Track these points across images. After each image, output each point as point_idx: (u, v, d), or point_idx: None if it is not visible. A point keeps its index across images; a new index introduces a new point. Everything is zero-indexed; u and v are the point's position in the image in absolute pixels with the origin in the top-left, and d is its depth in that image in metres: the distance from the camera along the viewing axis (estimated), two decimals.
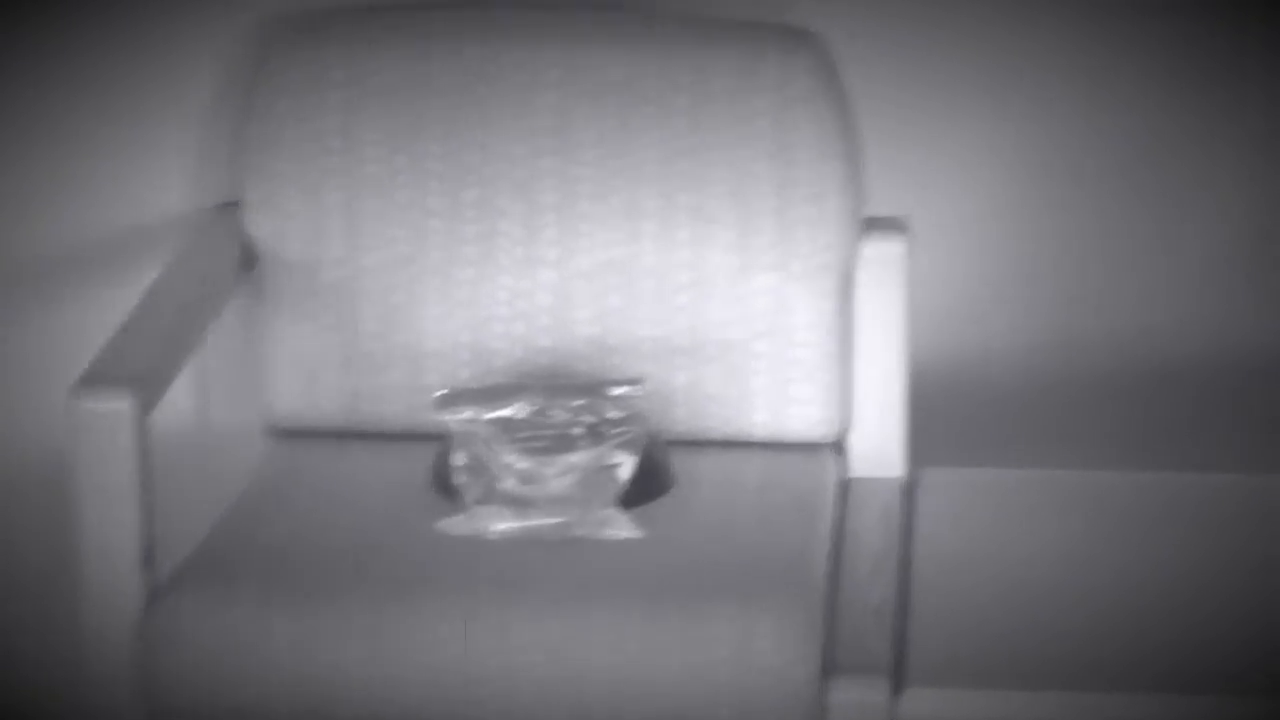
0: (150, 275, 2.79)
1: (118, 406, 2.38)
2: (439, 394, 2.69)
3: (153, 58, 2.97)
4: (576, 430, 2.64)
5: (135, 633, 2.43)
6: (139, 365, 2.47)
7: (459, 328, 2.84)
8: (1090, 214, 3.30)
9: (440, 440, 2.68)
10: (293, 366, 2.85)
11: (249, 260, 2.82)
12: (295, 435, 2.87)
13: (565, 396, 2.67)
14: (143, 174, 2.97)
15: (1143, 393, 3.37)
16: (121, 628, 2.44)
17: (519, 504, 2.57)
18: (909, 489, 2.86)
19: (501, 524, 2.55)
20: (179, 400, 2.85)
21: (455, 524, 2.57)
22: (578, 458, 2.60)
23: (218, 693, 2.41)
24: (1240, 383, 3.37)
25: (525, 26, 2.87)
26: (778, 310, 2.80)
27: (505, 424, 2.63)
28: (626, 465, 2.60)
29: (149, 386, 2.44)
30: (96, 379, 2.42)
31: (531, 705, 2.41)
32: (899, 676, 2.43)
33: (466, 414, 2.64)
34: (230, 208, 2.87)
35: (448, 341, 2.83)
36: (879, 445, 2.89)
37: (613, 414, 2.66)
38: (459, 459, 2.61)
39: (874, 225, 2.83)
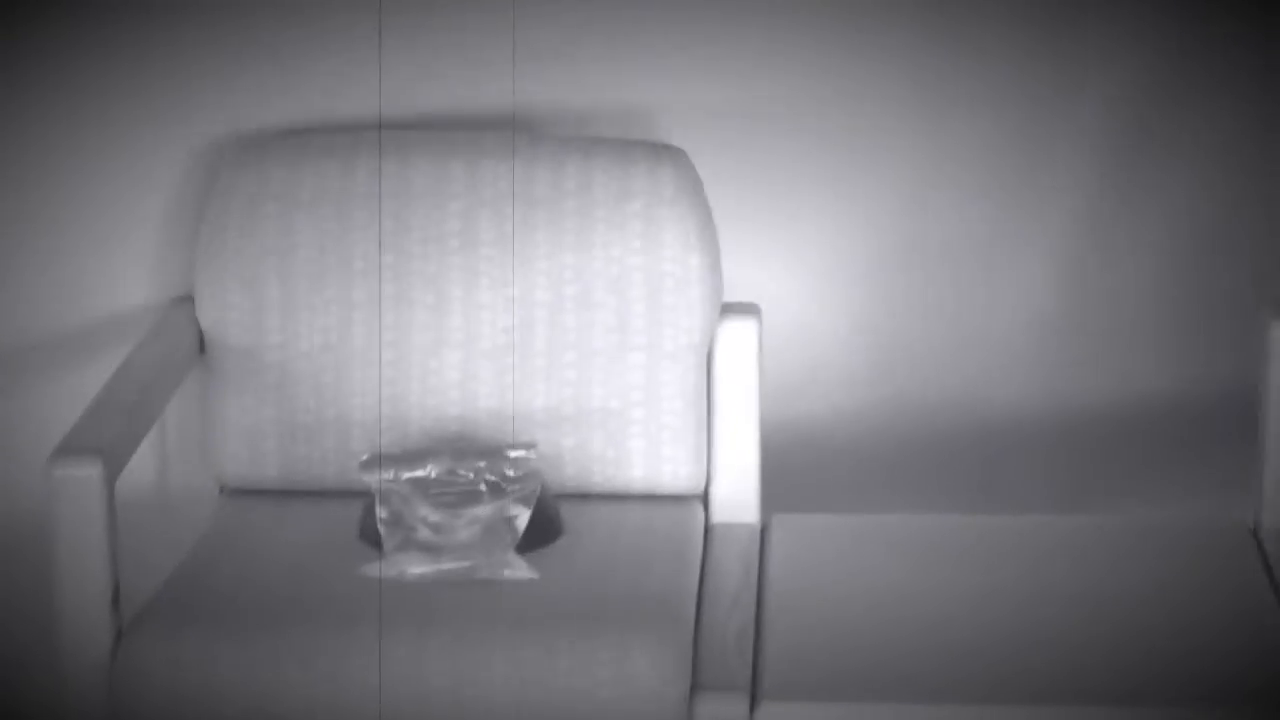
0: (116, 359, 2.81)
1: (89, 473, 2.37)
2: (363, 458, 2.69)
3: (119, 170, 2.93)
4: (480, 487, 2.64)
5: (105, 666, 2.41)
6: (106, 437, 2.46)
7: (379, 401, 2.82)
8: (917, 291, 3.27)
9: (365, 497, 2.69)
10: (239, 436, 2.82)
11: (200, 346, 2.81)
12: (241, 494, 2.83)
13: (470, 458, 2.68)
14: (109, 270, 2.94)
15: (964, 447, 3.34)
16: (94, 662, 2.42)
17: (432, 551, 2.57)
18: (763, 533, 2.85)
19: (417, 568, 2.54)
20: (141, 464, 2.84)
21: (378, 569, 2.56)
22: (481, 510, 2.60)
23: (177, 715, 2.39)
24: (1050, 434, 3.35)
25: (435, 145, 2.86)
26: (650, 383, 2.80)
27: (419, 483, 2.64)
28: (523, 516, 2.60)
29: (115, 455, 2.44)
30: (70, 449, 2.41)
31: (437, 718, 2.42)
32: (755, 692, 2.43)
33: (387, 475, 2.64)
34: (185, 301, 2.87)
35: (370, 413, 2.82)
36: (737, 496, 2.87)
37: (510, 473, 2.66)
38: (381, 513, 2.60)
39: (730, 309, 2.82)
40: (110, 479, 2.41)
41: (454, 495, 2.63)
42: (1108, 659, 2.54)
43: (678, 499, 2.84)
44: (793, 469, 3.11)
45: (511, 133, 2.96)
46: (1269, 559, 2.79)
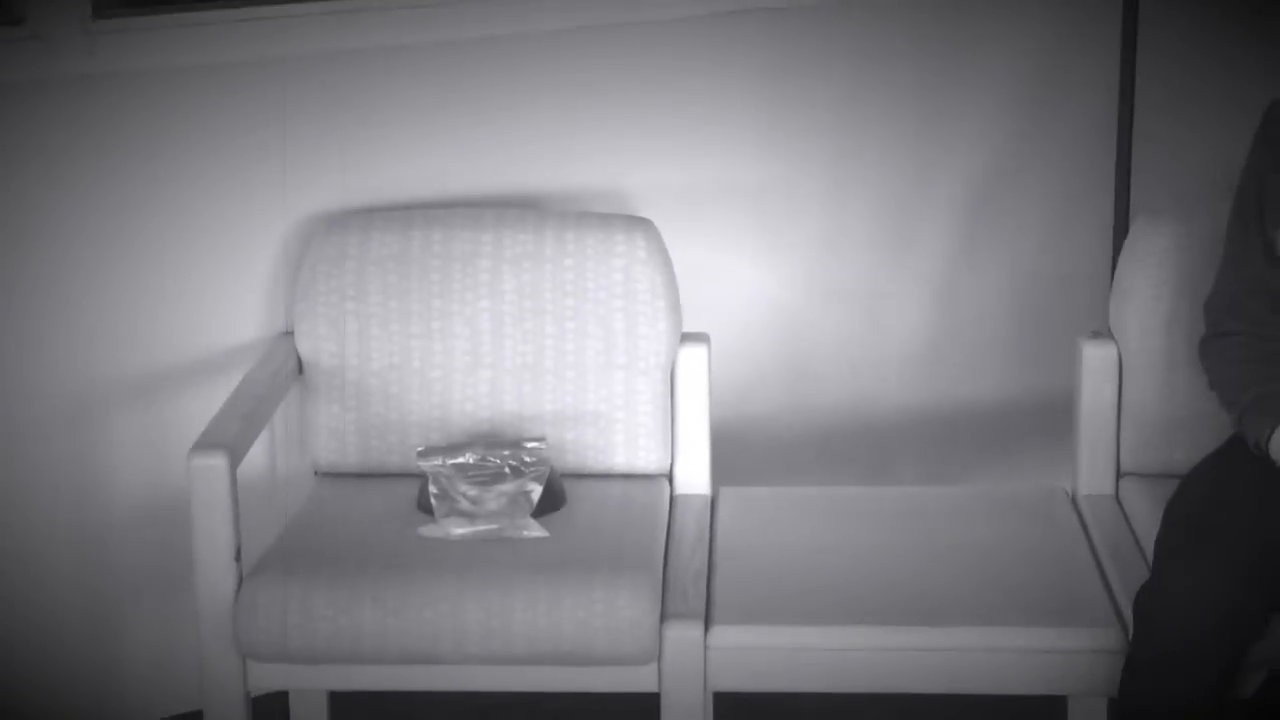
0: (236, 377, 2.77)
1: (218, 462, 2.44)
2: (419, 449, 2.73)
3: (242, 236, 2.90)
4: (505, 470, 2.68)
5: (230, 606, 2.46)
6: (229, 436, 2.51)
7: (431, 407, 2.83)
8: (826, 319, 3.31)
9: (420, 478, 2.70)
10: (328, 433, 2.84)
11: (299, 368, 2.83)
12: (330, 476, 2.86)
13: (497, 449, 2.72)
14: (232, 312, 2.92)
15: (861, 436, 3.40)
16: (222, 603, 2.47)
17: (470, 516, 2.61)
18: (713, 501, 2.86)
19: (459, 530, 2.59)
20: (256, 456, 2.78)
21: (431, 530, 2.61)
22: (506, 487, 2.65)
23: (285, 642, 2.45)
24: (923, 424, 3.44)
25: (470, 218, 2.87)
26: (629, 392, 2.83)
27: (460, 467, 2.68)
28: (536, 491, 2.65)
29: (236, 449, 2.49)
30: (204, 444, 2.47)
31: (477, 644, 2.44)
32: (708, 619, 2.49)
33: (437, 461, 2.69)
34: (287, 335, 2.87)
35: (424, 416, 2.83)
36: (693, 474, 2.87)
37: (527, 459, 2.70)
38: (432, 489, 2.65)
39: (688, 337, 2.84)
40: (233, 467, 2.45)
41: (486, 475, 2.67)
42: (968, 591, 2.57)
43: (649, 477, 2.86)
44: (735, 453, 3.09)
45: (525, 209, 2.96)
46: (1083, 517, 2.79)
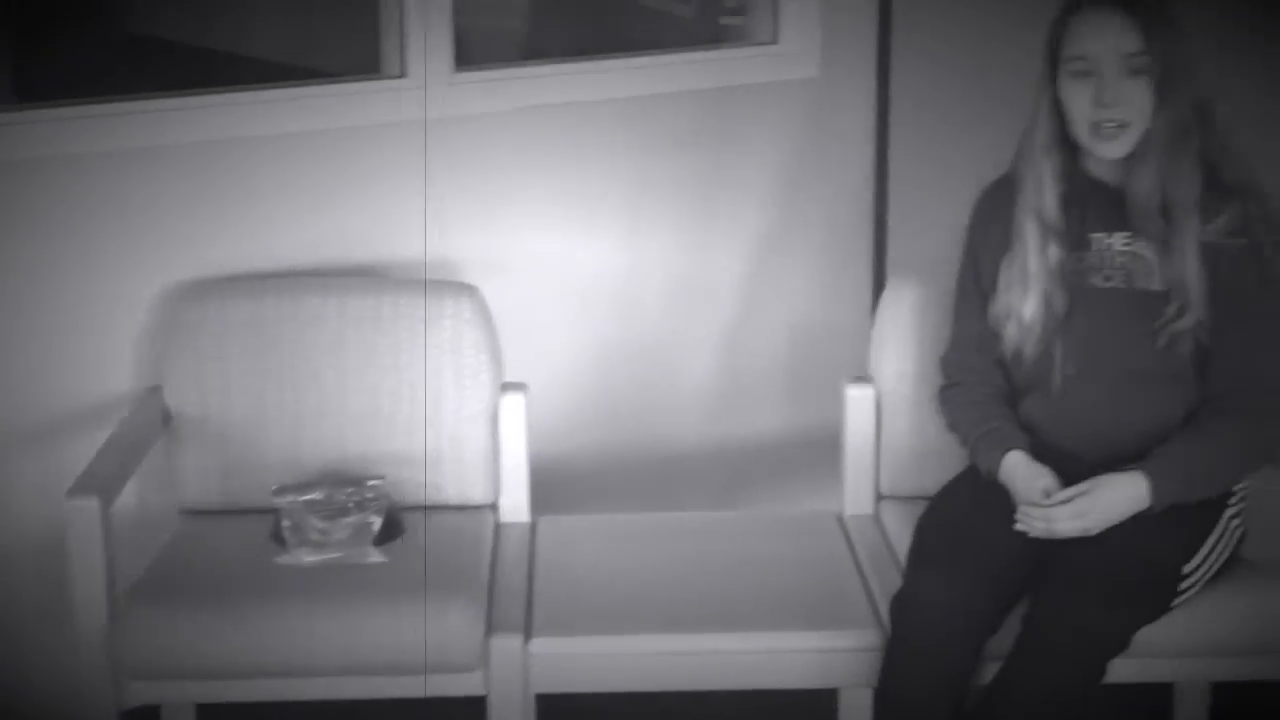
0: (110, 427, 2.73)
1: (91, 504, 2.41)
2: (274, 488, 2.70)
3: (115, 300, 2.84)
4: (350, 504, 2.67)
5: (106, 628, 2.43)
6: (103, 479, 2.49)
7: (284, 451, 2.80)
8: (626, 370, 3.32)
9: (275, 513, 2.66)
10: (193, 475, 2.80)
11: (167, 418, 2.78)
12: (194, 513, 2.81)
13: (343, 486, 2.71)
14: (104, 369, 2.86)
15: (657, 468, 3.38)
16: (97, 626, 2.44)
17: (319, 546, 2.60)
18: (533, 528, 2.85)
19: (310, 558, 2.58)
20: (128, 494, 2.68)
21: (285, 558, 2.59)
22: (350, 519, 2.64)
23: (156, 661, 2.43)
24: (710, 458, 3.43)
25: (317, 286, 2.85)
26: (458, 435, 2.81)
27: (310, 503, 2.66)
28: (377, 522, 2.64)
29: (109, 491, 2.47)
30: (79, 489, 2.45)
31: (326, 658, 2.43)
32: (529, 630, 2.49)
33: (289, 498, 2.67)
34: (156, 389, 2.81)
35: (278, 459, 2.79)
36: (515, 505, 2.86)
37: (369, 494, 2.69)
38: (285, 523, 2.63)
39: (508, 386, 2.83)
40: (106, 507, 2.43)
41: (333, 510, 2.65)
42: (752, 600, 2.60)
43: (476, 508, 2.83)
44: (552, 486, 3.05)
45: (366, 278, 2.97)
46: (848, 534, 2.81)
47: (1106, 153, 2.44)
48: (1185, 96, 2.38)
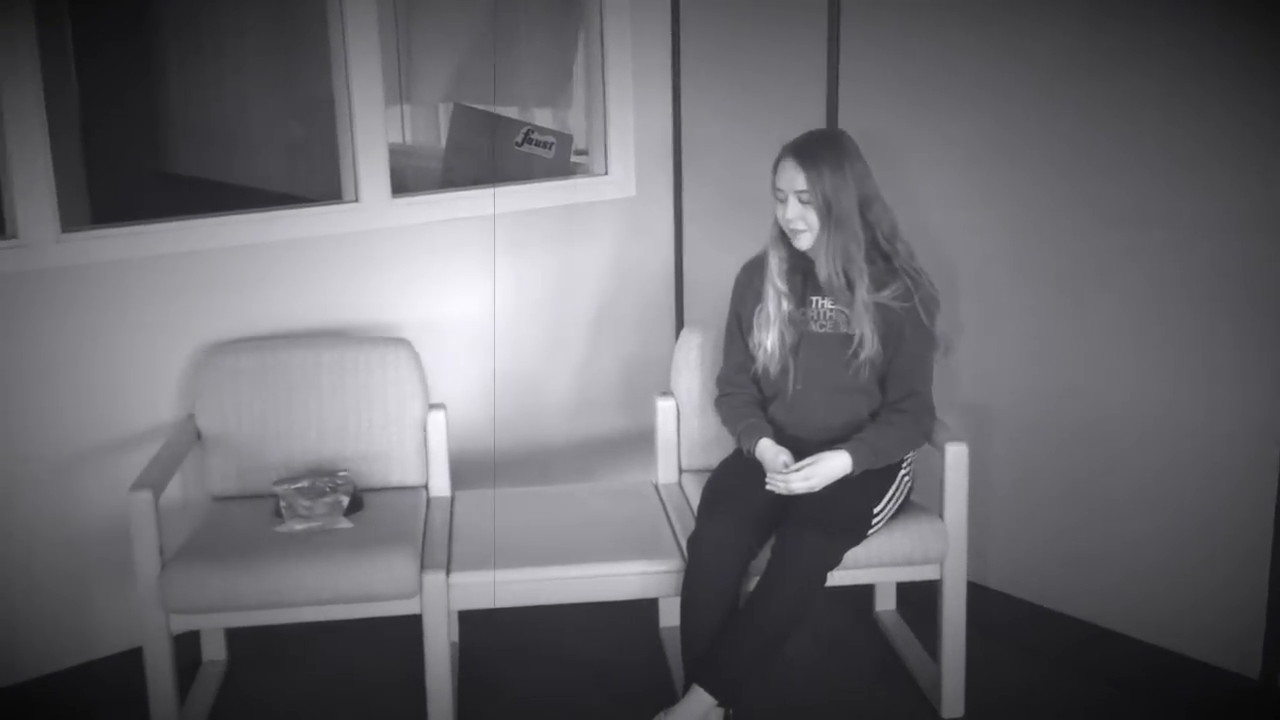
0: (159, 443, 2.70)
1: (147, 495, 2.36)
2: (274, 480, 2.67)
3: (161, 355, 2.76)
4: (325, 489, 2.62)
5: (156, 584, 2.37)
6: (155, 478, 2.43)
7: (280, 455, 2.74)
8: (513, 392, 3.19)
9: (274, 497, 2.62)
10: (219, 473, 2.74)
11: (199, 435, 2.72)
12: (219, 499, 2.74)
13: (320, 476, 2.66)
14: (156, 403, 2.79)
15: (538, 454, 3.27)
16: (150, 581, 2.37)
17: (305, 518, 2.56)
18: (452, 500, 2.77)
19: (299, 526, 2.53)
20: (172, 488, 2.67)
21: (282, 528, 2.54)
22: (327, 499, 2.60)
23: (194, 600, 2.37)
24: (574, 448, 3.32)
25: (300, 343, 2.78)
26: (399, 440, 2.76)
27: (299, 489, 2.62)
28: (345, 500, 2.60)
29: (159, 486, 2.41)
30: (139, 484, 2.39)
31: (311, 593, 2.37)
32: (449, 567, 2.45)
33: (284, 486, 2.62)
34: (191, 415, 2.74)
35: (276, 460, 2.73)
36: (439, 484, 2.78)
37: (339, 481, 2.65)
38: (282, 504, 2.59)
39: (434, 406, 2.77)
40: (157, 497, 2.39)
41: (314, 492, 2.61)
42: (599, 542, 2.52)
43: (413, 488, 2.77)
44: (466, 470, 3.01)
45: (327, 336, 2.88)
46: (661, 496, 2.76)
47: (797, 245, 2.49)
48: (845, 214, 2.40)
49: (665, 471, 2.86)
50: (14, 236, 2.58)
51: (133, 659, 2.54)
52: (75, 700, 2.68)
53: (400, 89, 3.83)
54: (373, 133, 2.92)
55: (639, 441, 3.26)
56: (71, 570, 2.75)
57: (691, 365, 2.82)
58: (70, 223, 2.62)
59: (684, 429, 2.83)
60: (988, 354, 2.81)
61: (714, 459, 2.75)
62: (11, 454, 2.63)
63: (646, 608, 2.90)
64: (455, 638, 2.75)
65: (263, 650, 2.88)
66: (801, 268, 2.54)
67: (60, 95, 3.31)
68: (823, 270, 2.46)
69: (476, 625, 2.85)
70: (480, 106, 3.60)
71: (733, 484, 2.53)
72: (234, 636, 2.87)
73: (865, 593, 2.97)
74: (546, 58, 3.55)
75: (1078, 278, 2.64)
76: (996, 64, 2.71)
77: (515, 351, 3.25)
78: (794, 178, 2.40)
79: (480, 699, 2.66)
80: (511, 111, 3.70)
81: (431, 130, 4.22)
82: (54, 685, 2.70)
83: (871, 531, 2.46)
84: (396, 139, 3.86)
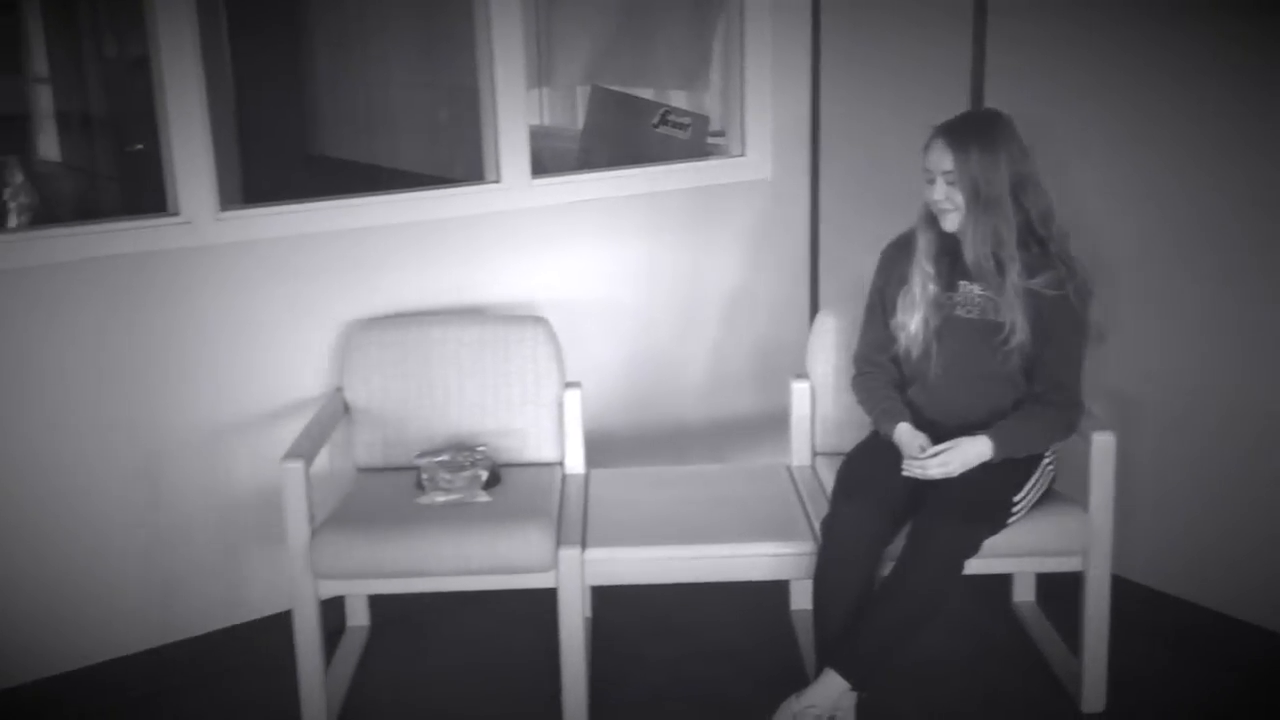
0: (309, 414, 2.72)
1: (298, 465, 2.39)
2: (417, 454, 2.69)
3: (314, 330, 2.77)
4: (465, 463, 2.64)
5: (308, 549, 2.41)
6: (306, 448, 2.45)
7: (423, 429, 2.76)
8: (646, 370, 3.20)
9: (417, 469, 2.64)
10: (364, 445, 2.77)
11: (346, 408, 2.76)
12: (365, 470, 2.77)
13: (461, 451, 2.69)
14: (306, 377, 2.79)
15: (667, 433, 3.26)
16: (302, 546, 2.41)
17: (446, 491, 2.58)
18: (586, 477, 2.79)
19: (441, 499, 2.56)
20: (320, 460, 2.67)
21: (423, 499, 2.57)
22: (466, 473, 2.61)
23: (341, 567, 2.40)
24: (704, 428, 3.31)
25: (442, 320, 2.77)
26: (536, 417, 2.78)
27: (441, 462, 2.64)
28: (484, 475, 2.61)
29: (309, 457, 2.44)
30: (290, 455, 2.41)
31: (450, 563, 2.40)
32: (584, 543, 2.47)
33: (426, 459, 2.65)
34: (339, 389, 2.78)
35: (419, 434, 2.75)
36: (575, 461, 2.80)
37: (478, 456, 2.67)
38: (424, 475, 2.61)
39: (569, 384, 2.78)
40: (308, 467, 2.41)
41: (455, 466, 2.63)
42: (732, 522, 2.50)
43: (549, 465, 2.79)
44: (600, 449, 3.03)
45: (477, 313, 2.92)
46: (794, 478, 2.75)
47: (944, 226, 2.45)
48: (995, 196, 2.35)
49: (799, 454, 2.84)
50: (176, 213, 2.66)
51: (281, 622, 2.60)
52: (227, 659, 2.76)
53: (539, 72, 3.83)
54: (514, 115, 2.94)
55: (771, 424, 3.22)
56: (225, 536, 2.79)
57: (827, 348, 2.80)
58: (226, 202, 2.66)
59: (818, 411, 2.82)
60: (1139, 343, 2.74)
61: (848, 442, 2.71)
62: (170, 423, 2.68)
63: (778, 590, 2.89)
64: (588, 613, 2.76)
65: (404, 617, 2.93)
66: (950, 250, 2.49)
67: (217, 80, 3.40)
68: (969, 252, 2.41)
69: (609, 601, 2.87)
70: (617, 88, 3.58)
71: (868, 467, 2.51)
72: (376, 603, 2.92)
73: (1003, 582, 2.91)
74: (685, 39, 3.52)
75: (1235, 267, 2.57)
76: (1150, 43, 2.64)
77: (648, 332, 3.24)
78: (941, 158, 2.37)
79: (612, 674, 2.67)
80: (648, 93, 3.69)
81: (569, 112, 4.23)
82: (208, 645, 2.77)
83: (1011, 520, 2.42)
84: (535, 121, 3.86)
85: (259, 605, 2.83)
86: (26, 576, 2.56)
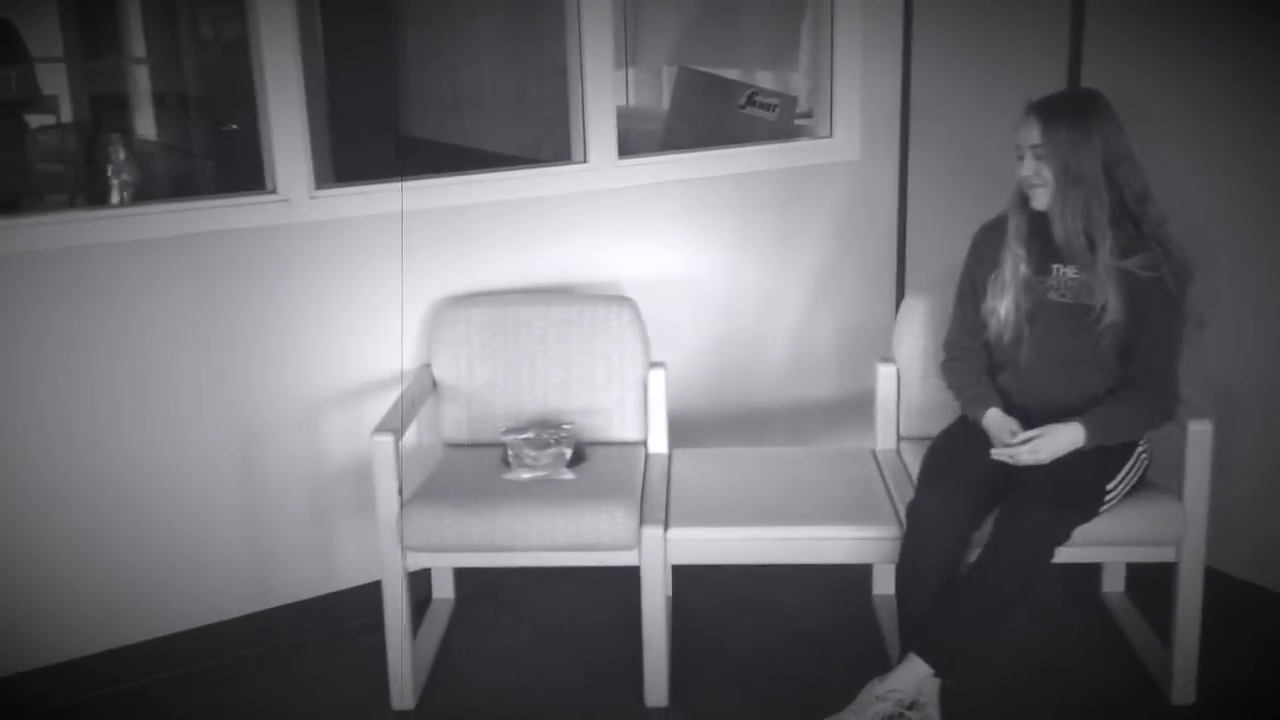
0: (398, 390, 2.72)
1: (388, 439, 2.40)
2: (503, 430, 2.70)
3: (396, 307, 2.73)
4: (550, 440, 2.65)
5: (397, 522, 2.43)
6: (395, 423, 2.46)
7: (509, 406, 2.78)
8: (731, 352, 3.22)
9: (503, 446, 2.66)
10: (452, 421, 2.79)
11: (434, 384, 2.78)
12: (453, 446, 2.80)
13: (546, 428, 2.70)
14: (396, 353, 2.79)
15: (751, 421, 3.27)
16: (391, 520, 2.43)
17: (531, 468, 2.59)
18: (669, 457, 2.80)
19: (526, 475, 2.57)
20: (409, 434, 2.73)
21: (509, 475, 2.58)
22: (552, 449, 2.63)
23: (428, 540, 2.42)
24: (787, 411, 3.31)
25: (530, 298, 2.79)
26: (621, 396, 2.78)
27: (526, 439, 2.65)
28: (569, 452, 2.62)
29: (398, 431, 2.44)
30: (381, 429, 2.43)
31: (535, 539, 2.42)
32: (667, 523, 2.47)
33: (512, 436, 2.66)
34: (428, 365, 2.80)
35: (505, 411, 2.78)
36: (658, 441, 2.81)
37: (563, 434, 2.67)
38: (509, 452, 2.62)
39: (654, 364, 2.79)
40: (398, 441, 2.42)
41: (540, 443, 2.64)
42: (815, 504, 2.51)
43: (633, 444, 2.80)
44: (682, 429, 3.03)
45: (560, 293, 2.91)
46: (879, 462, 2.73)
47: (1034, 204, 2.40)
48: (1084, 172, 2.31)
49: (884, 438, 2.82)
50: (273, 191, 2.71)
51: (371, 592, 2.62)
52: (318, 627, 2.82)
53: (625, 53, 3.82)
54: (602, 95, 2.94)
55: (855, 407, 3.23)
56: (317, 508, 2.82)
57: (914, 332, 2.77)
58: (319, 181, 2.69)
59: (904, 396, 2.79)
60: (1237, 329, 2.69)
61: (934, 427, 2.68)
62: (267, 396, 2.71)
63: (860, 574, 2.88)
64: (670, 592, 2.69)
65: (488, 591, 2.96)
66: (1042, 233, 2.45)
67: (310, 62, 3.44)
68: (1059, 229, 2.36)
69: (690, 581, 2.85)
70: (704, 69, 3.61)
71: (956, 452, 2.48)
72: (462, 576, 2.95)
73: (1092, 571, 2.86)
74: (772, 19, 3.49)
75: None
76: (1255, 21, 2.57)
77: (733, 313, 3.23)
78: (1030, 132, 2.33)
79: (693, 653, 2.68)
80: (734, 74, 3.67)
81: (654, 93, 4.22)
82: (302, 612, 2.82)
83: (1104, 509, 2.38)
84: (620, 102, 3.85)
85: (351, 575, 2.86)
86: (138, 546, 2.64)
